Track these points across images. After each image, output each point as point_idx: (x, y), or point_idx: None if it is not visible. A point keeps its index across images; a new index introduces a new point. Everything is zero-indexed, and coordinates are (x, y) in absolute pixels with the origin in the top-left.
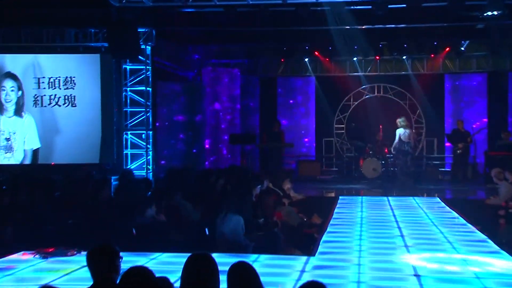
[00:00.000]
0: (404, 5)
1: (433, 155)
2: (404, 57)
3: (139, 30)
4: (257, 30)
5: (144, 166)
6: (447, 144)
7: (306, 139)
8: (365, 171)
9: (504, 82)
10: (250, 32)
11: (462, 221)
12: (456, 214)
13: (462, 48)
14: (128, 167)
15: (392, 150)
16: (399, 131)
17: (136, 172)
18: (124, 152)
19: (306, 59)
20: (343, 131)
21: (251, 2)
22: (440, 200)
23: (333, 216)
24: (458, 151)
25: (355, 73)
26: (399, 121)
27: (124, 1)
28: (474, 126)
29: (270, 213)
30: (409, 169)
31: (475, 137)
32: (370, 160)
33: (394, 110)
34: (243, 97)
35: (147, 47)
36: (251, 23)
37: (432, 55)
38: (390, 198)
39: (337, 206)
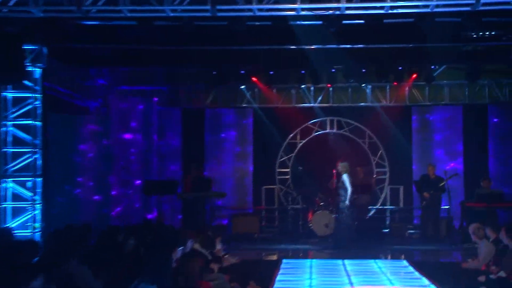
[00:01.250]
0: (362, 21)
1: (398, 207)
2: (362, 85)
3: (24, 47)
4: (179, 49)
5: (30, 223)
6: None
7: (241, 187)
8: (315, 227)
9: (482, 116)
10: (171, 52)
11: None
12: (427, 281)
13: (433, 75)
14: (6, 225)
15: (347, 201)
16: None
17: (18, 232)
18: (2, 205)
19: (242, 87)
20: (287, 177)
21: (171, 14)
22: (407, 264)
23: (275, 285)
24: (423, 202)
25: (303, 104)
26: (342, 165)
27: (5, 10)
28: (447, 169)
29: (195, 282)
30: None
31: (448, 183)
32: (322, 213)
33: (351, 151)
34: (162, 134)
35: (36, 69)
36: (171, 40)
37: (396, 83)
38: (346, 261)
39: (280, 272)
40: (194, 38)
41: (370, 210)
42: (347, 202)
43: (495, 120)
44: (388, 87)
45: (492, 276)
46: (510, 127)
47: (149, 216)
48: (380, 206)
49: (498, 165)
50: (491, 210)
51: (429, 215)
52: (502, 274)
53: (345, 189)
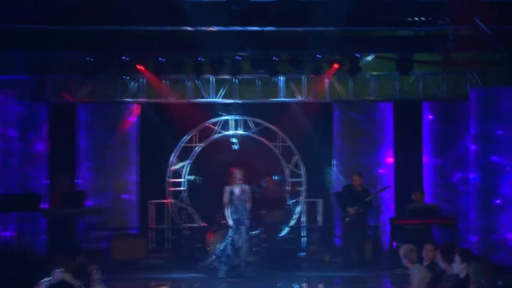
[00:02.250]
0: None
1: (316, 226)
2: (274, 77)
3: None
4: (44, 29)
5: None
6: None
7: (123, 202)
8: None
9: (416, 115)
10: (34, 32)
11: None
12: None
13: (359, 65)
14: None
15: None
16: (234, 188)
17: None
18: None
19: (126, 77)
20: (182, 189)
21: None
22: None
23: None
24: (347, 220)
25: (201, 99)
26: (237, 173)
27: None
28: (376, 177)
29: None
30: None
31: (379, 196)
32: (224, 233)
33: (261, 156)
34: (23, 135)
35: None
36: (35, 18)
37: (314, 75)
38: None
39: None
40: (63, 15)
41: (281, 229)
42: (246, 220)
43: (431, 118)
44: (304, 80)
45: None
46: (448, 128)
47: (5, 239)
48: (294, 224)
49: (433, 173)
50: (425, 228)
51: (354, 235)
52: None
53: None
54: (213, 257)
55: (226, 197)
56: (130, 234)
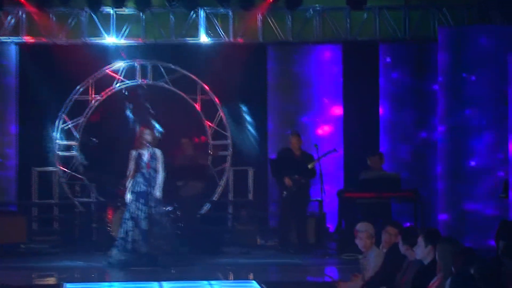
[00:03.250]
0: None
1: (245, 201)
2: (192, 12)
3: None
4: None
5: None
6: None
7: None
8: (116, 231)
9: (370, 59)
10: None
11: None
12: None
13: None
14: None
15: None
16: (142, 153)
17: None
18: None
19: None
20: (74, 154)
21: None
22: (259, 287)
23: None
24: (284, 193)
25: (98, 40)
26: (146, 133)
27: None
28: (320, 138)
29: None
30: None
31: (321, 163)
32: None
33: (176, 113)
34: None
35: None
36: None
37: (244, 9)
38: (165, 284)
39: None
40: None
41: (202, 205)
42: (157, 193)
43: (389, 63)
44: (232, 16)
45: None
46: (411, 76)
47: None
48: (218, 198)
49: (391, 132)
50: (382, 203)
51: (292, 213)
52: None
53: (156, 173)
54: (117, 245)
55: (131, 164)
56: (7, 211)
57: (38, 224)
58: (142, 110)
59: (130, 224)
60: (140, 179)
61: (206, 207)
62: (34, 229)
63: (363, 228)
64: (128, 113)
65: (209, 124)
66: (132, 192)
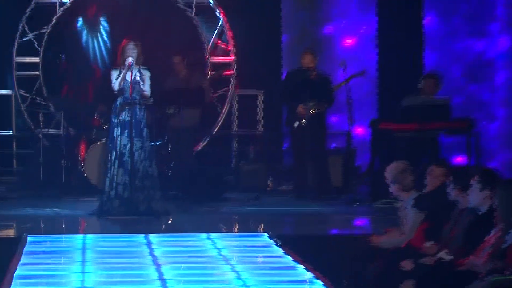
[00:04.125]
0: None
1: (253, 133)
2: None
3: None
4: None
5: None
6: None
7: None
8: (91, 171)
9: None
10: None
11: None
12: (306, 273)
13: None
14: None
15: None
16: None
17: None
18: None
19: None
20: (36, 74)
21: None
22: (270, 241)
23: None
24: (295, 124)
25: None
26: (130, 47)
27: None
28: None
29: None
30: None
31: (349, 86)
32: (103, 145)
33: (165, 25)
34: None
35: None
36: None
37: None
38: (152, 237)
39: (22, 260)
40: None
41: (200, 139)
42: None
43: None
44: None
45: (426, 260)
46: None
47: None
48: (219, 131)
49: (439, 48)
50: (428, 136)
51: (308, 149)
52: (445, 256)
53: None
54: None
55: (114, 85)
56: None
57: None
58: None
59: (115, 164)
60: (122, 104)
61: (204, 142)
62: None
63: (399, 169)
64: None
65: (208, 39)
66: (114, 124)
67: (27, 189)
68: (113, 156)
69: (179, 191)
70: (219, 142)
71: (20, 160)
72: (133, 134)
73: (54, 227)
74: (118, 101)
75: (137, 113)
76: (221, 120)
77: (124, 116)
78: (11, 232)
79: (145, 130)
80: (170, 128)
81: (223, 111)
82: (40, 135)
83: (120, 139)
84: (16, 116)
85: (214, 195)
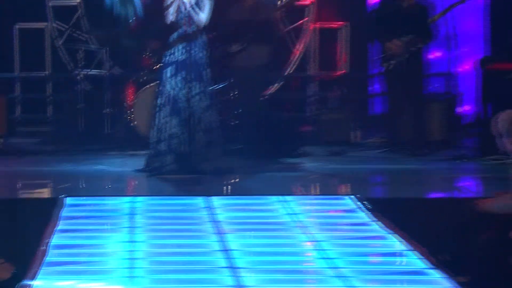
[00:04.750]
0: None
1: (335, 74)
2: None
3: None
4: None
5: None
6: None
7: None
8: (140, 119)
9: None
10: None
11: (418, 262)
12: (399, 243)
13: None
14: None
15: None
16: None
17: None
18: None
19: None
20: (76, 2)
21: None
22: (358, 204)
23: (48, 259)
24: (389, 65)
25: None
26: None
27: None
28: None
29: None
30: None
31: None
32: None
33: None
34: None
35: None
36: None
37: None
38: (215, 199)
39: (59, 228)
40: None
41: (270, 81)
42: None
43: None
44: None
45: None
46: None
47: None
48: (293, 71)
49: None
50: None
51: (402, 94)
52: None
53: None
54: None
55: (166, 15)
56: None
57: (22, 109)
58: None
59: (166, 111)
60: (177, 42)
61: (276, 86)
62: (16, 116)
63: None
64: None
65: None
66: (166, 64)
67: (64, 142)
68: (163, 101)
69: (245, 145)
70: (294, 86)
71: (55, 107)
72: (191, 75)
73: (96, 187)
74: (171, 36)
75: (195, 50)
76: (296, 59)
77: (179, 53)
78: (45, 193)
79: (206, 71)
80: (234, 69)
81: (299, 48)
82: (80, 76)
83: (175, 81)
84: (51, 54)
85: (288, 150)
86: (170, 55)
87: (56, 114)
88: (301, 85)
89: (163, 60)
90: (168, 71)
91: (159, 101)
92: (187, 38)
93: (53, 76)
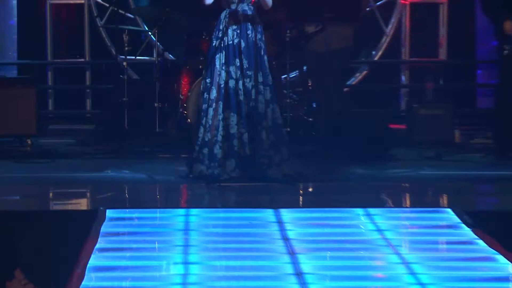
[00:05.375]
0: None
1: (431, 59)
2: None
3: None
4: None
5: None
6: None
7: None
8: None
9: None
10: None
11: None
12: (508, 265)
13: None
14: None
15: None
16: None
17: None
18: None
19: None
20: None
21: None
22: (458, 220)
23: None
24: (505, 50)
25: None
26: None
27: None
28: None
29: None
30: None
31: None
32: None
33: None
34: None
35: None
36: None
37: None
38: (284, 213)
39: (99, 246)
40: None
41: (354, 69)
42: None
43: None
44: None
45: None
46: None
47: None
48: (382, 56)
49: None
50: None
51: None
52: None
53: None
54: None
55: None
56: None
57: (55, 103)
58: None
59: (218, 106)
60: (230, 23)
61: (361, 74)
62: (48, 111)
63: None
64: None
65: None
66: (215, 48)
67: (106, 142)
68: (214, 95)
69: (322, 146)
70: (383, 75)
71: (96, 99)
72: (248, 63)
73: (143, 197)
74: (223, 15)
75: (252, 33)
76: (385, 42)
77: (234, 37)
78: (83, 204)
79: (264, 58)
80: (310, 54)
81: (389, 28)
82: (125, 63)
83: (227, 70)
84: (90, 37)
85: (375, 152)
86: (220, 38)
87: (96, 109)
88: (391, 73)
89: (212, 45)
90: (218, 59)
91: (210, 95)
92: (242, 20)
93: (93, 63)
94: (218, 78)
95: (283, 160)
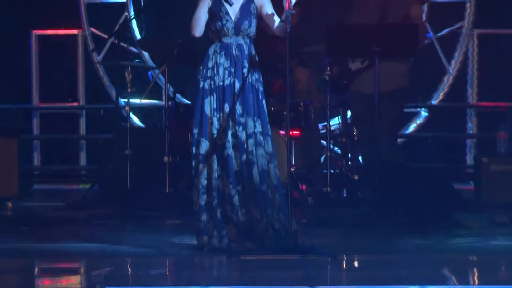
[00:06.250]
0: None
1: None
2: None
3: None
4: None
5: None
6: None
7: None
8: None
9: None
10: None
11: None
12: None
13: None
14: None
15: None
16: None
17: None
18: None
19: None
20: None
21: None
22: None
23: None
24: None
25: None
26: None
27: None
28: None
29: None
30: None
31: None
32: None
33: None
34: None
35: None
36: None
37: None
38: None
39: None
40: None
41: (409, 115)
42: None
43: None
44: None
45: None
46: None
47: None
48: (445, 98)
49: None
50: None
51: None
52: None
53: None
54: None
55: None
56: None
57: (42, 157)
58: None
59: (211, 161)
60: (221, 59)
61: (418, 121)
62: (35, 167)
63: None
64: None
65: None
66: (208, 91)
67: (103, 206)
68: (205, 148)
69: (370, 209)
70: (445, 122)
71: (92, 153)
72: (240, 108)
73: (150, 275)
74: (211, 50)
75: (246, 72)
76: (448, 81)
77: (222, 76)
78: (76, 282)
79: (263, 102)
80: (355, 96)
81: (452, 64)
82: (127, 108)
83: (221, 118)
84: (84, 76)
85: (435, 217)
86: (209, 78)
87: (91, 165)
88: (455, 119)
89: (200, 87)
90: (208, 103)
91: (200, 148)
92: (232, 53)
93: (88, 109)
94: (209, 127)
95: (284, 226)
